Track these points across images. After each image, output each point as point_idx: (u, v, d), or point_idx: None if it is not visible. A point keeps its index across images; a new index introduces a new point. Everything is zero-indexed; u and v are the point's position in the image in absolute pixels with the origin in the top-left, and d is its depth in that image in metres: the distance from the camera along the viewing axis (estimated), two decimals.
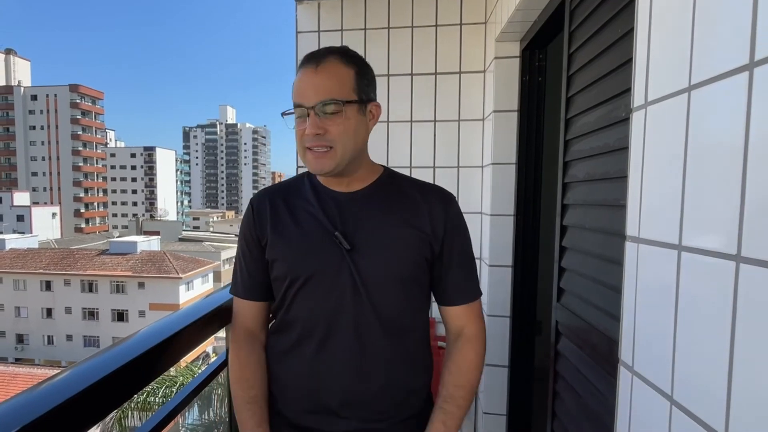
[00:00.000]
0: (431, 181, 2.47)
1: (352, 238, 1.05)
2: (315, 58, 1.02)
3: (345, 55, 1.05)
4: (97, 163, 65.85)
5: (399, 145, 2.55)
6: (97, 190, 65.91)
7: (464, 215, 2.64)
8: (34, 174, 62.96)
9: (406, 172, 2.46)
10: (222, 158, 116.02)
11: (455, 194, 2.50)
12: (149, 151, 73.71)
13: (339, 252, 1.05)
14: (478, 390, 2.52)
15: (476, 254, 2.52)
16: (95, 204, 65.31)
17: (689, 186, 0.67)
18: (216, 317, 1.23)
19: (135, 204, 72.11)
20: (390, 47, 2.52)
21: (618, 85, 1.08)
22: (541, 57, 2.11)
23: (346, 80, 1.02)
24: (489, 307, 2.33)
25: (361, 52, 2.56)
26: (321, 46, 2.48)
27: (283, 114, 1.09)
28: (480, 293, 1.16)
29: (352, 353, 1.07)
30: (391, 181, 1.16)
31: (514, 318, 2.27)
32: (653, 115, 0.79)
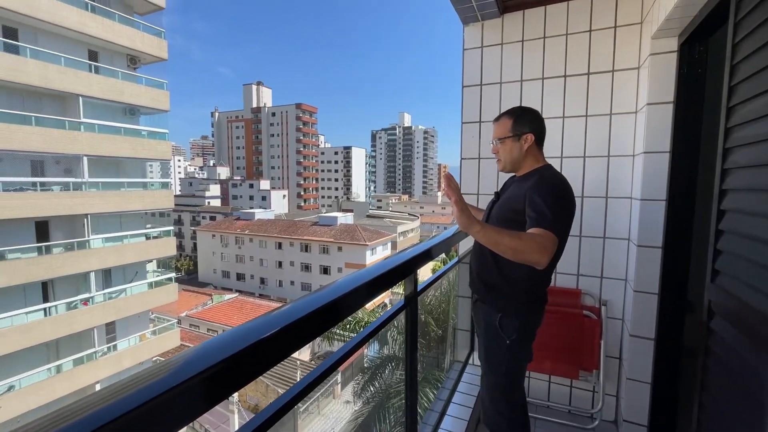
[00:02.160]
0: (581, 168, 2.31)
1: (501, 195, 1.68)
2: (497, 117, 1.63)
3: (508, 112, 1.61)
4: (311, 160, 76.16)
5: (551, 138, 2.41)
6: (312, 178, 76.29)
7: (612, 199, 2.39)
8: (272, 167, 75.36)
9: (556, 162, 2.34)
10: (399, 154, 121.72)
11: (604, 181, 2.27)
12: (347, 149, 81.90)
13: (494, 201, 1.71)
14: (622, 356, 2.30)
15: (624, 235, 2.26)
16: (310, 188, 75.88)
17: None
18: (395, 273, 1.25)
19: (336, 189, 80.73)
20: (545, 54, 2.39)
21: None
22: (701, 49, 1.76)
23: (507, 126, 1.58)
24: (636, 283, 2.10)
25: (518, 61, 2.50)
26: (483, 59, 2.50)
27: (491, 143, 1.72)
28: (543, 225, 1.32)
29: (479, 250, 1.67)
30: (534, 173, 1.56)
31: (662, 295, 2.00)
32: None
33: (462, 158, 2.73)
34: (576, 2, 2.28)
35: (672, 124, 1.89)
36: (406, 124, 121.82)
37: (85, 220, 13.54)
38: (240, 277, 38.06)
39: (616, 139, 2.25)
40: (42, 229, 13.03)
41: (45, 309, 12.65)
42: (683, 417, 1.91)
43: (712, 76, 1.74)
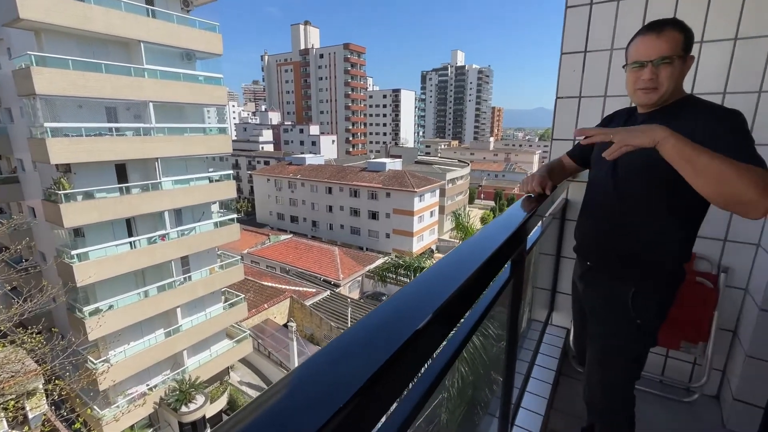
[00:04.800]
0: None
1: None
2: (657, 28, 1.20)
3: (672, 23, 1.19)
4: (360, 104, 74.38)
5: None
6: (360, 123, 75.11)
7: None
8: (321, 112, 74.77)
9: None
10: (450, 96, 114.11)
11: None
12: (396, 92, 78.06)
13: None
14: (739, 330, 2.00)
15: None
16: (358, 134, 75.11)
17: None
18: (511, 244, 0.99)
19: (384, 134, 78.64)
20: None
21: None
22: None
23: (678, 41, 1.17)
24: None
25: None
26: None
27: (623, 66, 1.31)
28: (750, 160, 0.94)
29: (609, 207, 1.43)
30: (683, 103, 1.24)
31: None
32: None
33: (558, 97, 2.33)
34: None
35: None
36: (459, 63, 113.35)
37: (156, 163, 14.48)
38: (293, 219, 39.91)
39: None
40: (121, 171, 14.18)
41: (130, 242, 14.17)
42: None
43: None
